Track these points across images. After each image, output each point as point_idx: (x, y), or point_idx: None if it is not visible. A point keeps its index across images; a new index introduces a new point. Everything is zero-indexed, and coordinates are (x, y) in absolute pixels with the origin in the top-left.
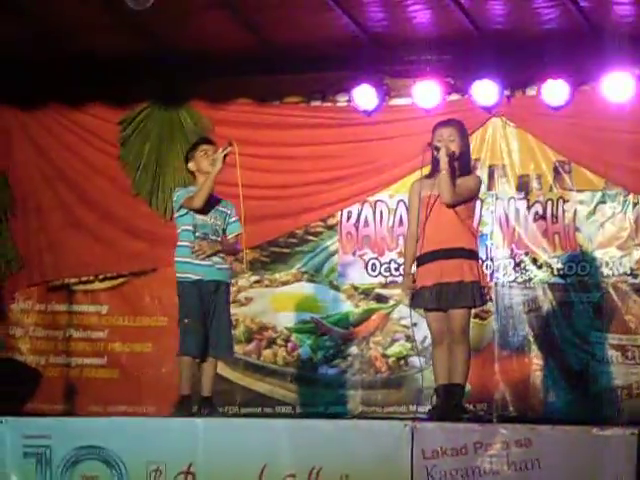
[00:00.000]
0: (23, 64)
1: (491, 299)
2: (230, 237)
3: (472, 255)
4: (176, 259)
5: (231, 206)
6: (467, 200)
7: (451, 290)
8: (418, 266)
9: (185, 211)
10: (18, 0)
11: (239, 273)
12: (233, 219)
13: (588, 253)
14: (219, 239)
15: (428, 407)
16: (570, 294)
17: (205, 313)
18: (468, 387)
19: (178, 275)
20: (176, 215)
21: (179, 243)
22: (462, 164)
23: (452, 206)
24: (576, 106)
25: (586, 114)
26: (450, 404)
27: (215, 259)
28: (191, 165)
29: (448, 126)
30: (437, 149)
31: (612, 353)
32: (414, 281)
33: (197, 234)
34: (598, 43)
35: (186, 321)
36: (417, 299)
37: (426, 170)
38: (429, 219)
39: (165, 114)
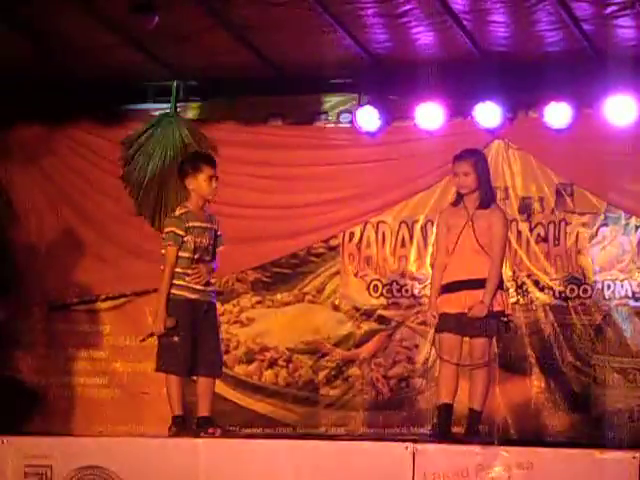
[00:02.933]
0: (26, 84)
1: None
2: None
3: (499, 285)
4: (174, 282)
5: (216, 221)
6: (504, 248)
7: (477, 320)
8: (443, 293)
9: (181, 239)
10: (21, 20)
11: (241, 293)
12: (219, 233)
13: (590, 276)
14: (210, 259)
15: (429, 428)
16: (572, 317)
17: (194, 332)
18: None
19: (174, 292)
20: (173, 243)
21: (177, 270)
22: (482, 196)
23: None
24: (578, 129)
25: (588, 137)
26: (449, 423)
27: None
28: (189, 182)
29: (462, 160)
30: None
31: (614, 376)
32: (438, 308)
33: (196, 257)
34: (601, 66)
35: (176, 339)
36: (440, 325)
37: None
38: (455, 249)
39: (168, 134)
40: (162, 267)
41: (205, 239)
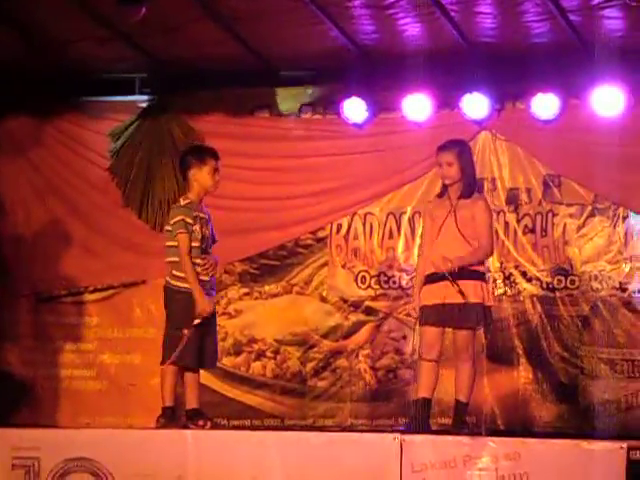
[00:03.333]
0: (12, 76)
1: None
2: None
3: (478, 276)
4: (174, 272)
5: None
6: (491, 234)
7: (455, 311)
8: (425, 284)
9: (191, 228)
10: (7, 10)
11: (229, 285)
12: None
13: (577, 267)
14: (211, 250)
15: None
16: (559, 308)
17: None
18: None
19: (178, 285)
20: (185, 230)
21: (179, 260)
22: (465, 185)
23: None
24: (566, 120)
25: (576, 128)
26: (426, 417)
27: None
28: (192, 173)
29: (446, 151)
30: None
31: (601, 367)
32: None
33: (203, 246)
34: (588, 57)
35: (186, 332)
36: (422, 316)
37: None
38: (438, 239)
39: (155, 126)
40: (168, 259)
41: (207, 230)
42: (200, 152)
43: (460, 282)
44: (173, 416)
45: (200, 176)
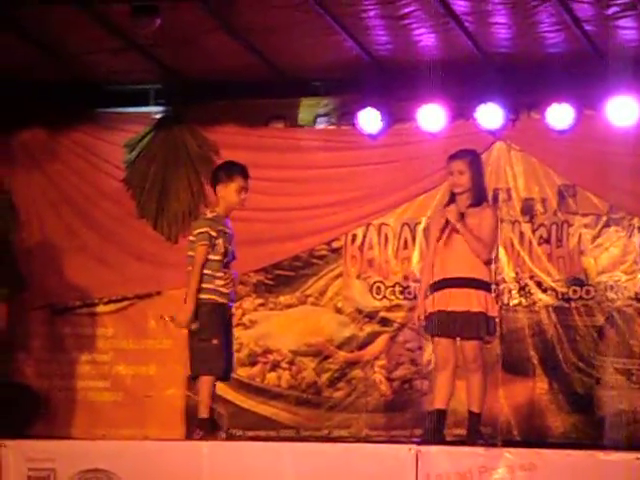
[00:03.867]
0: (28, 86)
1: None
2: None
3: (482, 286)
4: (203, 285)
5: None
6: (495, 240)
7: (458, 319)
8: (431, 293)
9: (214, 241)
10: (23, 23)
11: (244, 296)
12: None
13: (592, 277)
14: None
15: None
16: (574, 318)
17: (228, 335)
18: None
19: (205, 297)
20: (206, 242)
21: (207, 272)
22: (474, 194)
23: (489, 260)
24: (581, 130)
25: (591, 138)
26: (441, 428)
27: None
28: (219, 189)
29: (458, 159)
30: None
31: (617, 377)
32: (425, 307)
33: (225, 261)
34: (603, 67)
35: (215, 342)
36: (427, 325)
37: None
38: (444, 247)
39: (170, 137)
40: (189, 268)
41: (232, 245)
42: (229, 169)
43: (463, 290)
44: (212, 428)
45: (226, 193)
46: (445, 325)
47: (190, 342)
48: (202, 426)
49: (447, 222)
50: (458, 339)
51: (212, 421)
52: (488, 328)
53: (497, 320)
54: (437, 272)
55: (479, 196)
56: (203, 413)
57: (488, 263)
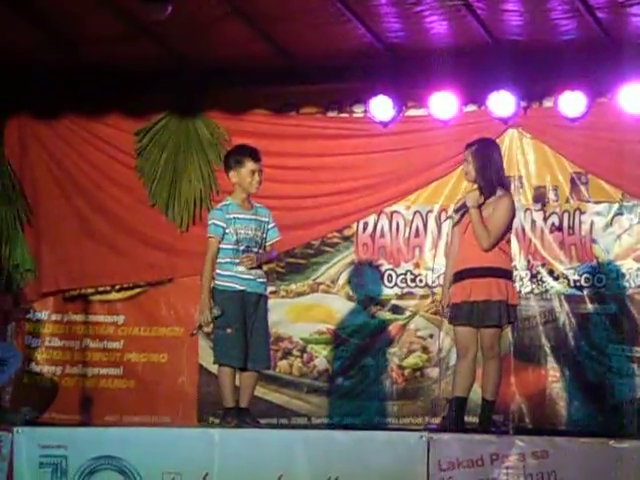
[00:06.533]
0: (39, 73)
1: None
2: (268, 245)
3: (502, 274)
4: (217, 271)
5: (267, 212)
6: (504, 232)
7: (479, 308)
8: (453, 283)
9: (222, 230)
10: (36, 9)
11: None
12: (271, 226)
13: (605, 265)
14: (261, 251)
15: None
16: (587, 306)
17: (246, 324)
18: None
19: (219, 284)
20: (213, 234)
21: (220, 260)
22: (482, 184)
23: (490, 249)
24: (593, 117)
25: (603, 126)
26: (461, 416)
27: (257, 272)
28: (232, 175)
29: (467, 149)
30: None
31: (629, 365)
32: (449, 297)
33: (241, 249)
34: (615, 55)
35: (229, 331)
36: (450, 315)
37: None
38: (464, 237)
39: (181, 124)
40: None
41: (250, 230)
42: (238, 153)
43: (484, 279)
44: (233, 417)
45: (238, 178)
46: (468, 315)
47: (213, 328)
48: (228, 414)
49: (465, 207)
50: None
51: (241, 410)
52: (509, 316)
53: (518, 307)
54: (459, 261)
55: (488, 186)
56: (227, 402)
57: (487, 251)
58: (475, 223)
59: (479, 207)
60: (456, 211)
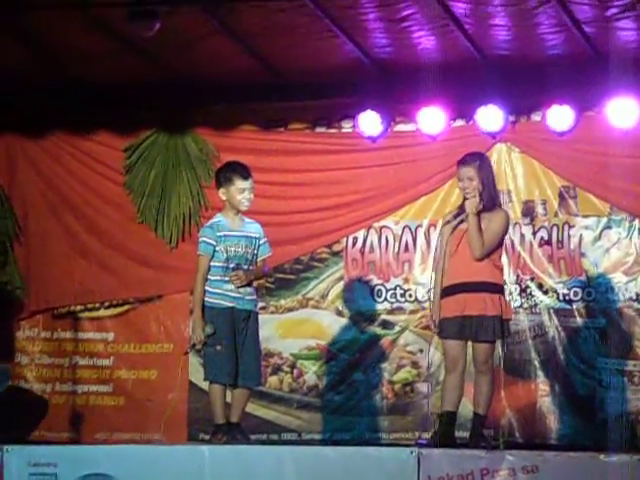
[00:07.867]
0: (27, 91)
1: None
2: (259, 260)
3: (495, 289)
4: (207, 288)
5: (259, 228)
6: (497, 245)
7: (473, 323)
8: (443, 297)
9: (212, 248)
10: (22, 27)
11: None
12: (262, 241)
13: (594, 278)
14: (252, 267)
15: (429, 435)
16: (576, 319)
17: (236, 341)
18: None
19: (209, 301)
20: (203, 252)
21: (210, 277)
22: (486, 199)
23: (482, 259)
24: (581, 132)
25: (591, 140)
26: (451, 431)
27: (246, 289)
28: (222, 193)
29: (467, 165)
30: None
31: (619, 379)
32: (440, 312)
33: (231, 266)
34: (602, 69)
35: (219, 348)
36: (441, 329)
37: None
38: (456, 252)
39: (170, 141)
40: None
41: (240, 248)
42: (227, 171)
43: (478, 294)
44: (223, 433)
45: (228, 195)
46: (460, 329)
47: (203, 346)
48: (218, 432)
49: (462, 214)
50: (469, 341)
51: (232, 426)
52: (503, 331)
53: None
54: (450, 276)
55: (491, 200)
56: (217, 419)
57: (479, 261)
58: (472, 230)
59: (478, 214)
60: (455, 216)
